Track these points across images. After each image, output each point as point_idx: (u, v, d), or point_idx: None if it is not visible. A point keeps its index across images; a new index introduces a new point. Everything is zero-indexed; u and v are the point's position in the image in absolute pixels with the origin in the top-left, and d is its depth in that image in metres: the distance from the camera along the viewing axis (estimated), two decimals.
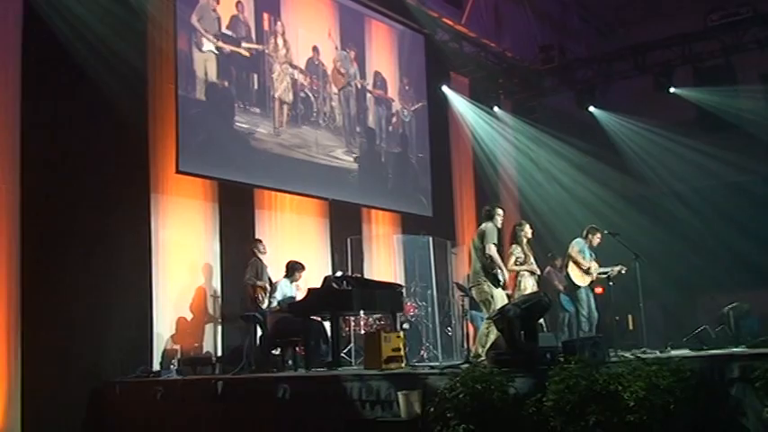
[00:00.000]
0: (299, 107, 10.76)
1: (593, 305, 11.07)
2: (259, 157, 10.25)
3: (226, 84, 9.89)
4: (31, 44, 9.00)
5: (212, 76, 9.77)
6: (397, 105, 12.76)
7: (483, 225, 9.38)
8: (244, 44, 10.19)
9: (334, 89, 11.44)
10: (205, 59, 9.75)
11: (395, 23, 13.61)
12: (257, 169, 10.50)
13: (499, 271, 9.04)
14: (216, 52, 9.82)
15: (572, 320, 12.04)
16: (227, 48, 9.99)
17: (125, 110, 9.59)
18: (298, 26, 11.12)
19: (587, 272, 10.99)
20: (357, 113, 11.79)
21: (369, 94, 12.15)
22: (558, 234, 14.09)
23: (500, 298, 8.96)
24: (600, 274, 11.04)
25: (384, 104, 12.43)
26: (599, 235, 11.28)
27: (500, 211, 9.49)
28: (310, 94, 10.97)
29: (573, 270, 11.04)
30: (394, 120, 12.58)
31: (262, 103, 10.30)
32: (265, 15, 10.53)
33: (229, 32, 10.06)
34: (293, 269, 10.26)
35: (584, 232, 11.35)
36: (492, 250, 9.01)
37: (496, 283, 9.02)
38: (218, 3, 10.18)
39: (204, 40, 9.82)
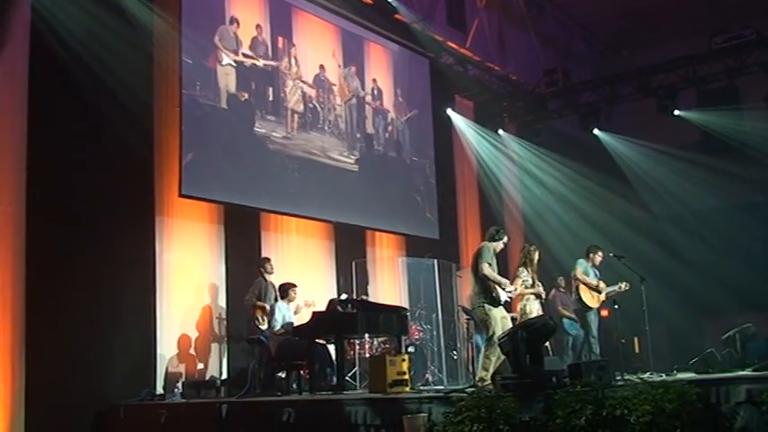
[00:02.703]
0: (307, 116, 12.15)
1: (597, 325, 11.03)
2: (272, 159, 11.51)
3: (246, 95, 11.24)
4: (37, 66, 9.03)
5: (235, 88, 11.09)
6: (391, 115, 13.98)
7: (480, 244, 9.23)
8: (262, 62, 11.58)
9: (338, 100, 12.85)
10: (227, 74, 11.06)
11: (389, 43, 14.28)
12: (269, 171, 11.48)
13: (499, 289, 8.77)
14: (236, 67, 11.19)
15: (576, 343, 12.00)
16: (248, 63, 11.36)
17: (130, 133, 9.63)
18: (306, 47, 12.43)
19: (597, 290, 10.95)
20: (357, 122, 13.17)
21: (367, 105, 13.47)
22: (562, 256, 14.09)
23: (499, 318, 8.71)
24: (608, 293, 11.01)
25: (381, 114, 13.73)
26: (600, 253, 11.26)
27: (504, 237, 9.19)
28: (317, 105, 12.36)
29: (584, 292, 10.97)
30: (390, 128, 13.85)
31: (277, 112, 11.68)
32: (280, 38, 11.94)
33: (250, 52, 11.42)
34: (286, 289, 10.18)
35: (586, 252, 11.33)
36: (486, 269, 8.73)
37: (494, 303, 8.76)
38: (238, 26, 11.41)
39: (225, 57, 11.08)
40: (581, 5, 17.37)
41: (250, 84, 11.30)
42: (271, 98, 11.62)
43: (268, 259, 10.64)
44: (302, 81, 12.19)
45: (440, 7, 15.07)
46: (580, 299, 11.00)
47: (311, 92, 12.31)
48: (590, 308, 10.95)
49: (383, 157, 13.61)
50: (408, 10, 13.93)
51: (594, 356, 10.61)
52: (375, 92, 13.73)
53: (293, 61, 12.11)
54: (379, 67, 14.09)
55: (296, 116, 11.96)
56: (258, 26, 11.68)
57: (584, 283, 10.97)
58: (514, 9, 16.98)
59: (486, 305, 8.75)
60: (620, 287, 10.96)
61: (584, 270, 11.08)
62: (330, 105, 12.62)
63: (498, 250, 9.11)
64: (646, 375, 8.64)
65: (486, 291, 8.79)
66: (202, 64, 10.78)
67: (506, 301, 8.94)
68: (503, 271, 9.35)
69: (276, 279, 10.51)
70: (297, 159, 11.89)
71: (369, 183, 13.21)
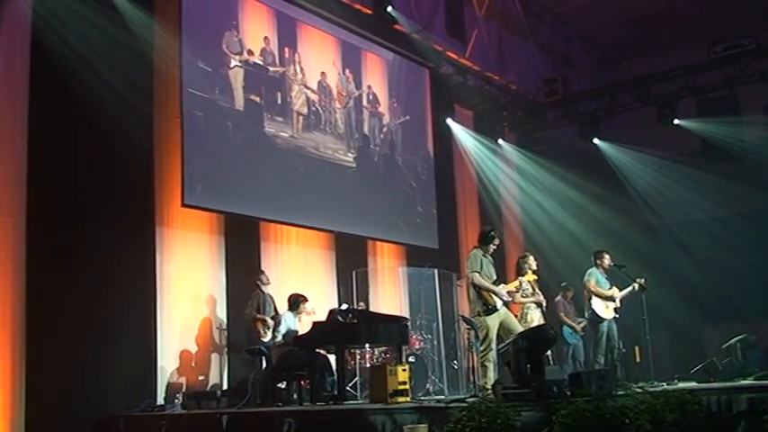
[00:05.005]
0: (311, 118, 12.95)
1: (616, 336, 10.95)
2: (279, 157, 12.23)
3: (257, 99, 12.01)
4: (37, 76, 9.04)
5: (248, 93, 11.88)
6: (386, 118, 14.60)
7: (469, 253, 9.22)
8: (271, 69, 12.35)
9: (338, 104, 13.65)
10: (238, 78, 11.75)
11: (387, 52, 14.63)
12: (274, 172, 12.04)
13: (492, 296, 8.77)
14: (246, 71, 11.93)
15: (576, 353, 11.98)
16: (259, 70, 12.15)
17: (131, 143, 9.66)
18: (310, 57, 13.09)
19: (611, 299, 10.89)
20: (355, 123, 13.93)
21: (364, 109, 14.17)
22: (562, 265, 14.09)
23: (493, 326, 8.73)
24: (623, 297, 10.95)
25: (376, 117, 14.44)
26: (607, 256, 11.21)
27: (494, 237, 9.13)
28: (319, 108, 13.19)
29: (597, 303, 10.92)
30: (384, 129, 14.56)
31: (284, 114, 12.46)
32: (286, 48, 12.72)
33: (260, 60, 12.18)
34: (297, 302, 10.22)
35: (593, 259, 11.29)
36: (476, 279, 8.76)
37: (490, 310, 8.75)
38: (238, 32, 11.94)
39: (233, 61, 11.74)
40: (580, 15, 17.41)
41: (261, 88, 12.07)
42: (279, 101, 12.35)
43: (263, 272, 10.65)
44: (306, 87, 12.90)
45: (439, 17, 15.11)
46: (593, 310, 10.93)
47: (314, 96, 13.06)
48: (603, 319, 10.89)
49: (379, 155, 14.22)
50: (408, 20, 13.98)
51: (599, 366, 10.59)
52: (371, 97, 14.26)
53: (298, 68, 12.83)
54: (376, 75, 14.40)
55: (300, 118, 12.72)
56: (266, 38, 12.29)
57: (598, 295, 10.91)
58: (514, 19, 17.02)
59: (482, 314, 8.78)
60: (633, 288, 10.90)
61: (596, 280, 11.01)
62: (331, 109, 13.44)
63: (491, 252, 9.11)
64: (647, 385, 8.63)
65: (480, 298, 8.82)
66: (219, 72, 11.33)
67: (504, 303, 8.91)
68: (503, 279, 9.34)
69: (276, 290, 10.51)
70: (301, 157, 12.51)
71: (366, 178, 13.75)
